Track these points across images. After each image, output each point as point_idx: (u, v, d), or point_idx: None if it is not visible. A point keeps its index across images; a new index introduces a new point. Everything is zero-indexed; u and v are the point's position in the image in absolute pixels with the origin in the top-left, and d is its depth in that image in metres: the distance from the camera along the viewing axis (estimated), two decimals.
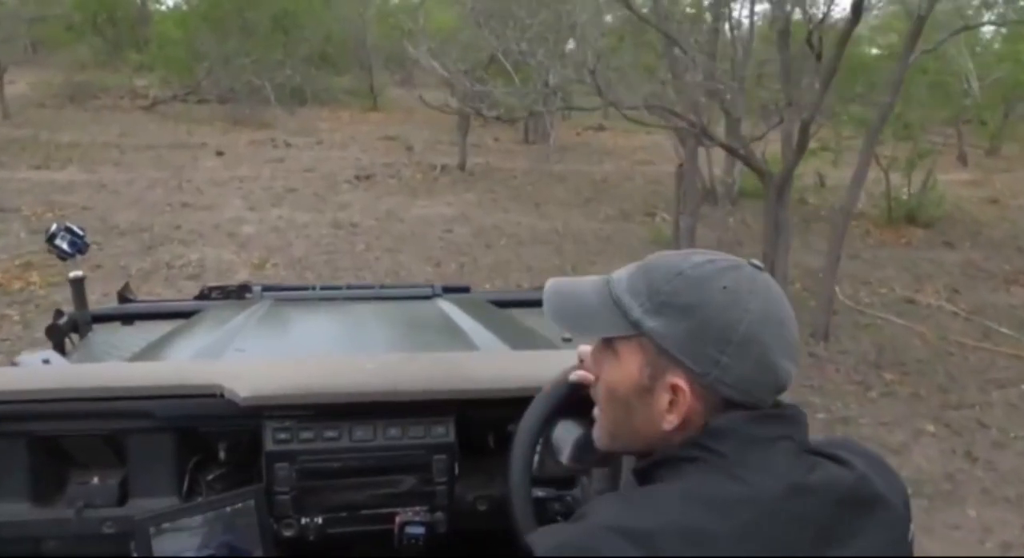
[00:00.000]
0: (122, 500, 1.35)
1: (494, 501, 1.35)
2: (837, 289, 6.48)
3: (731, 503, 0.76)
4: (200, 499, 1.33)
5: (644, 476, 0.88)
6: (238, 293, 2.38)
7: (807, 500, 0.78)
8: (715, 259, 0.87)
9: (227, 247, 7.69)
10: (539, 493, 1.16)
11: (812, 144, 5.97)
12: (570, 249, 8.31)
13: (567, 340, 1.84)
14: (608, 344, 0.89)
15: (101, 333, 2.21)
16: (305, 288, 2.42)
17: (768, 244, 5.74)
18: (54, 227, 2.02)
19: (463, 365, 1.48)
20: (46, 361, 1.70)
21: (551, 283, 0.97)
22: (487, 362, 1.55)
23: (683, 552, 0.72)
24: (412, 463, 1.34)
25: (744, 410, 0.83)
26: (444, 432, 1.35)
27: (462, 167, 12.13)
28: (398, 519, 1.32)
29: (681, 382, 0.83)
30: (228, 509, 1.27)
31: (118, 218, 8.39)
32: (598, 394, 0.93)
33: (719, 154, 9.45)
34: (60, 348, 2.08)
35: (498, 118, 6.94)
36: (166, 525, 1.24)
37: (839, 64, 4.95)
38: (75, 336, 2.17)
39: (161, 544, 1.22)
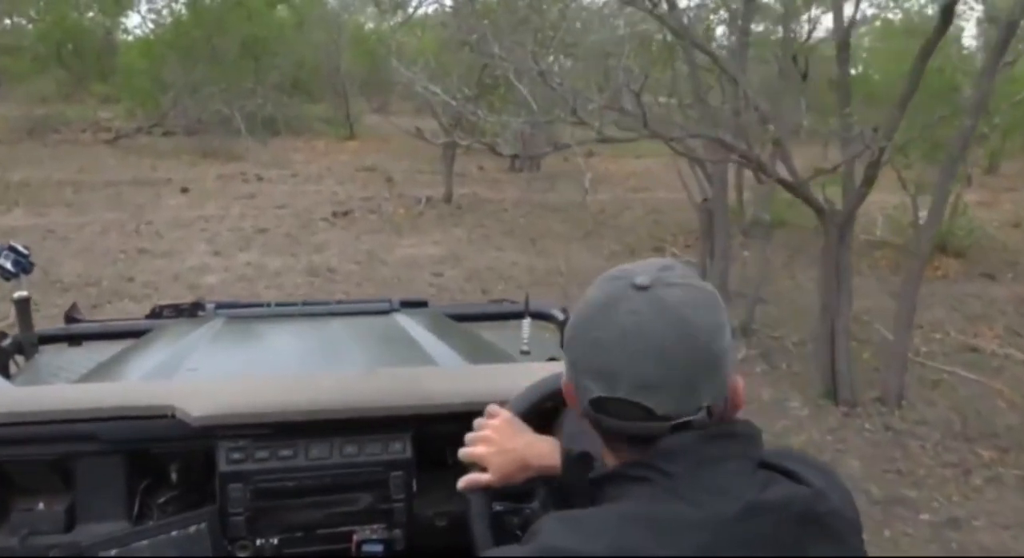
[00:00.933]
0: (69, 526, 1.29)
1: (453, 517, 1.28)
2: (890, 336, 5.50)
3: (681, 526, 0.73)
4: (151, 523, 1.28)
5: (596, 489, 0.84)
6: (190, 311, 2.27)
7: (763, 519, 0.75)
8: (625, 269, 0.85)
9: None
10: (497, 507, 1.13)
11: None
12: (576, 293, 7.27)
13: (525, 353, 1.95)
14: None
15: (48, 355, 2.13)
16: (260, 305, 2.32)
17: (828, 293, 4.76)
18: None
19: (421, 380, 1.42)
20: None
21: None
22: (445, 377, 1.49)
23: None
24: (369, 480, 1.30)
25: (688, 429, 0.78)
26: (401, 448, 1.31)
27: (448, 199, 11.10)
28: (355, 537, 1.27)
29: (567, 387, 0.87)
30: (180, 532, 1.22)
31: (63, 271, 7.24)
32: None
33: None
34: (4, 371, 2.00)
35: (493, 150, 5.90)
36: (116, 551, 1.19)
37: (919, 82, 4.00)
38: (20, 358, 2.08)
39: None
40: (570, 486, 1.03)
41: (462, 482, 1.08)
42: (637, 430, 0.78)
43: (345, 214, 10.11)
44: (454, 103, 5.18)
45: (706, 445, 0.78)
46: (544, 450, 1.06)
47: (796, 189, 4.25)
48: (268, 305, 2.31)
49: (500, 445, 1.07)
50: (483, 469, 1.08)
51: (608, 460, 0.87)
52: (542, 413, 1.15)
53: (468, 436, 1.10)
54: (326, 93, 20.19)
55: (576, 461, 1.00)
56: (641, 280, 0.80)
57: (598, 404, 0.79)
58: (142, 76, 17.14)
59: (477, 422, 1.12)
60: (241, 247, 8.44)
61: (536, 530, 0.79)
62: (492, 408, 1.13)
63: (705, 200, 6.31)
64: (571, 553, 0.73)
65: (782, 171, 4.44)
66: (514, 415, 1.12)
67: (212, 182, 12.33)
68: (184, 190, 11.37)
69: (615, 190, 13.43)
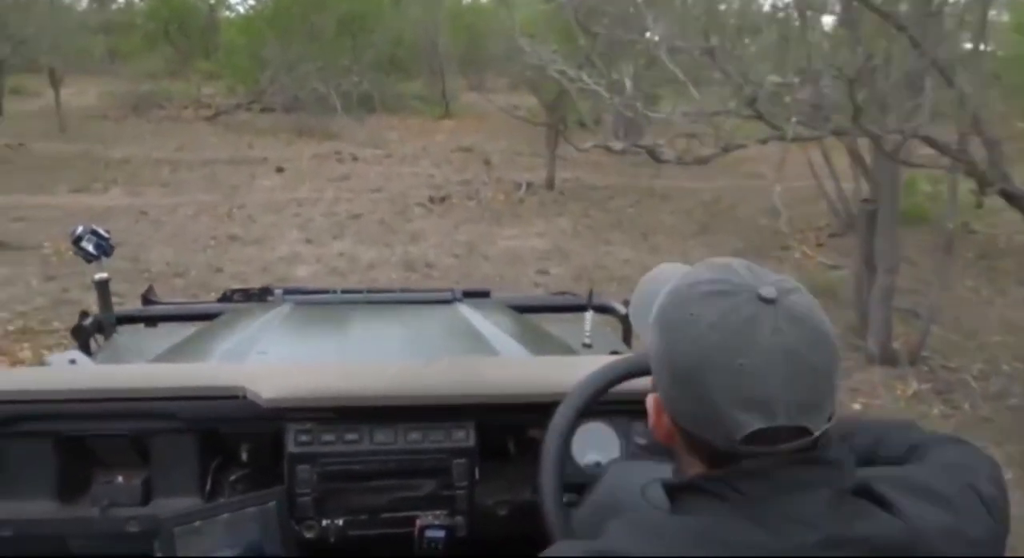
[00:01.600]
0: (146, 500, 1.33)
1: (514, 506, 1.29)
2: None
3: (754, 552, 0.69)
4: (222, 500, 1.30)
5: (671, 496, 0.80)
6: (260, 296, 2.29)
7: (842, 555, 0.69)
8: (717, 279, 0.76)
9: None
10: (563, 499, 1.10)
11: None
12: None
13: (587, 346, 1.97)
14: None
15: (125, 334, 2.17)
16: (327, 291, 2.32)
17: None
18: (80, 229, 1.96)
19: (484, 370, 1.42)
20: (72, 361, 1.65)
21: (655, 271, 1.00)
22: (508, 367, 1.50)
23: None
24: (432, 467, 1.30)
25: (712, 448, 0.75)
26: (464, 437, 1.30)
27: (550, 185, 10.29)
28: (418, 522, 1.28)
29: (651, 399, 0.81)
30: (250, 510, 1.24)
31: (151, 257, 6.83)
32: None
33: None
34: (85, 349, 2.03)
35: (654, 155, 5.07)
36: (189, 525, 1.21)
37: None
38: (100, 337, 2.11)
39: (184, 544, 1.20)
40: None
41: None
42: (789, 450, 0.72)
43: (442, 200, 9.45)
44: (592, 84, 4.32)
45: (792, 469, 0.72)
46: None
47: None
48: (334, 292, 2.31)
49: None
50: None
51: (687, 468, 0.81)
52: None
53: None
54: (422, 70, 19.64)
55: None
56: (766, 292, 0.73)
57: (753, 436, 0.71)
58: (242, 53, 16.94)
59: None
60: (334, 235, 7.88)
61: (609, 530, 0.75)
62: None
63: (866, 200, 5.30)
64: None
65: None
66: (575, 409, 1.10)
67: (307, 161, 11.90)
68: (279, 170, 10.96)
69: (727, 177, 12.31)
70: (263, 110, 16.08)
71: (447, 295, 2.25)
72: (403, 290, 2.54)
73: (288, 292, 2.25)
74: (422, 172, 11.33)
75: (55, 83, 13.46)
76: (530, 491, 1.23)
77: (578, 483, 1.17)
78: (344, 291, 2.32)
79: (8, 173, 10.08)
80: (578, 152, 13.62)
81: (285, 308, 2.07)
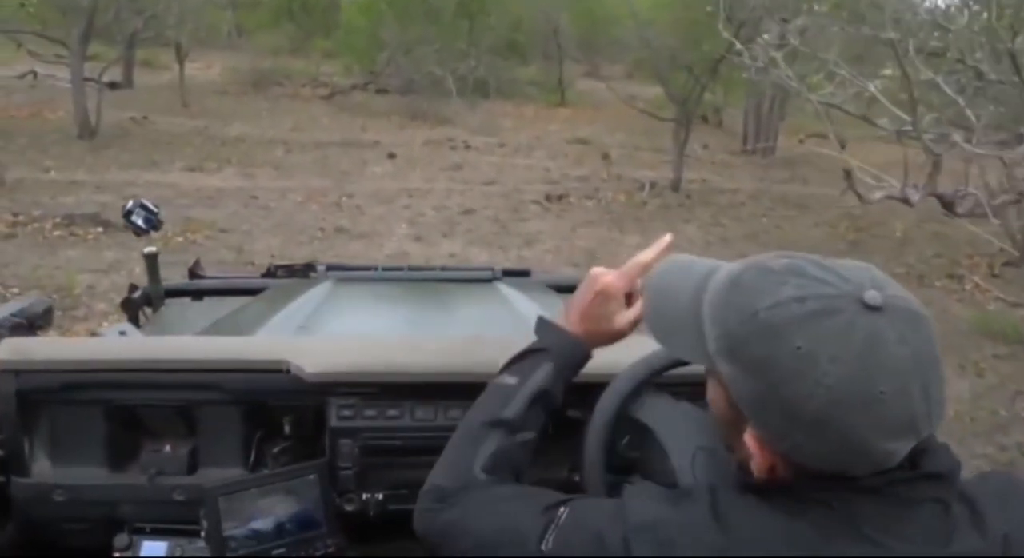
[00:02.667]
0: (192, 469, 1.34)
1: (552, 485, 1.11)
2: None
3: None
4: (266, 471, 1.31)
5: (760, 494, 0.71)
6: (303, 271, 2.28)
7: None
8: (806, 295, 0.66)
9: None
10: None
11: None
12: None
13: None
14: None
15: (173, 307, 2.17)
16: (368, 268, 2.32)
17: None
18: (130, 204, 1.93)
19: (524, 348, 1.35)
20: (122, 333, 1.68)
21: (665, 262, 0.84)
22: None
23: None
24: None
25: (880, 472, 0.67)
26: None
27: (675, 187, 9.35)
28: None
29: (753, 442, 0.69)
30: (292, 482, 1.25)
31: (257, 247, 6.39)
32: None
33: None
34: (135, 321, 2.05)
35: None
36: (234, 495, 1.22)
37: None
38: (148, 310, 2.12)
39: (229, 513, 1.21)
40: None
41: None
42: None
43: (559, 198, 8.69)
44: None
45: (903, 487, 0.67)
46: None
47: None
48: (376, 269, 2.30)
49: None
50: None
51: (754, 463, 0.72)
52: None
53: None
54: (537, 56, 18.87)
55: None
56: (871, 298, 0.65)
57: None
58: (361, 34, 16.63)
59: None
60: (444, 232, 7.27)
61: (692, 493, 0.73)
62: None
63: None
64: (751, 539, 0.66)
65: None
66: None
67: (419, 148, 11.38)
68: (391, 156, 10.46)
69: (871, 185, 11.05)
70: (378, 91, 15.72)
71: (487, 274, 2.21)
72: (443, 268, 2.49)
73: (331, 268, 2.22)
74: (537, 165, 10.60)
75: (180, 58, 13.42)
76: (567, 470, 1.24)
77: (616, 465, 1.12)
78: (385, 269, 2.31)
79: (129, 147, 9.98)
80: (703, 150, 12.58)
81: (328, 284, 2.02)
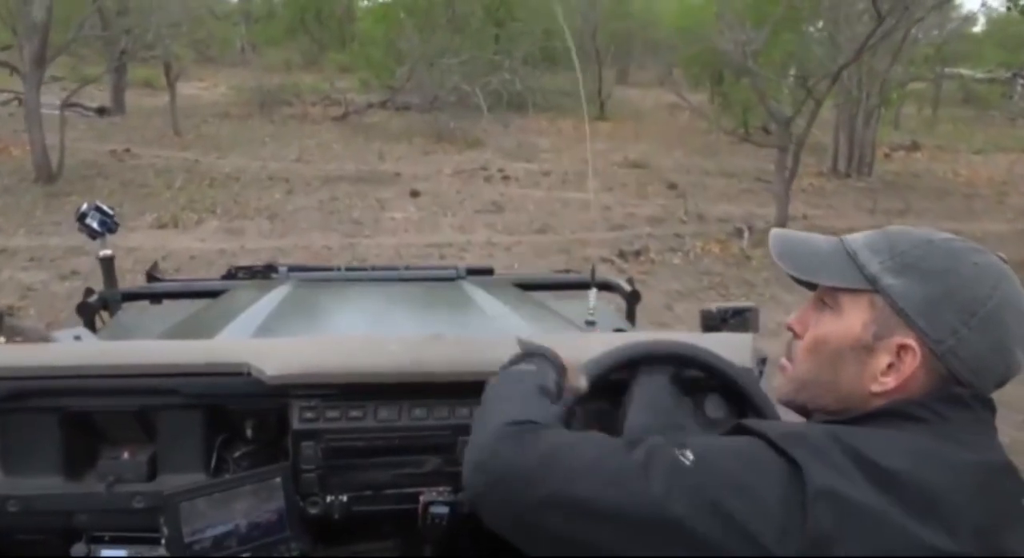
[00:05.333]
0: (151, 476, 1.25)
1: None
2: None
3: (960, 466, 0.69)
4: (227, 476, 1.23)
5: (862, 420, 0.76)
6: (264, 273, 2.17)
7: (1019, 482, 0.72)
8: (955, 238, 0.78)
9: None
10: None
11: None
12: None
13: (591, 323, 1.88)
14: (829, 297, 0.79)
15: (130, 311, 2.10)
16: (330, 269, 2.26)
17: None
18: (84, 206, 1.85)
19: (488, 347, 1.28)
20: (77, 338, 1.61)
21: (777, 231, 0.85)
22: (512, 344, 1.30)
23: (911, 491, 0.66)
24: (437, 443, 1.23)
25: (963, 388, 0.75)
26: (469, 413, 1.16)
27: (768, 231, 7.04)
28: (422, 499, 1.20)
29: (913, 343, 0.74)
30: (255, 486, 1.18)
31: None
32: (795, 348, 0.83)
33: None
34: (91, 326, 1.96)
35: None
36: (195, 501, 1.15)
37: None
38: (105, 314, 2.02)
39: (190, 519, 1.14)
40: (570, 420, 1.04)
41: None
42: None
43: (637, 254, 6.42)
44: None
45: (982, 410, 0.75)
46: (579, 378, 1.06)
47: None
48: (339, 269, 2.22)
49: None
50: None
51: (788, 386, 0.84)
52: (610, 385, 1.09)
53: None
54: (568, 63, 16.65)
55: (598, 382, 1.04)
56: (1002, 256, 0.78)
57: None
58: (378, 45, 14.49)
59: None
60: None
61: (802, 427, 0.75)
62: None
63: None
64: (876, 464, 0.67)
65: None
66: (587, 376, 1.04)
67: (447, 180, 9.18)
68: (414, 194, 8.26)
69: (996, 209, 8.67)
70: (397, 109, 13.53)
71: (451, 273, 2.14)
72: (407, 268, 2.32)
73: (292, 269, 2.12)
74: (593, 200, 8.35)
75: (171, 80, 11.30)
76: None
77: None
78: (348, 269, 2.22)
79: (95, 192, 7.81)
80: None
81: (289, 285, 1.93)
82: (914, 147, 12.24)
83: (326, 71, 16.95)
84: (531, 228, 7.18)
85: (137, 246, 6.17)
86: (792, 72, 8.36)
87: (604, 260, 6.26)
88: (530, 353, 1.02)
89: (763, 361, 1.31)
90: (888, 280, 0.75)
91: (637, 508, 0.69)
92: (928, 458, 0.68)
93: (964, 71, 18.66)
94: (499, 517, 0.78)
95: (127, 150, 9.94)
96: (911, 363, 0.73)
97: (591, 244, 6.64)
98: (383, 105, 13.49)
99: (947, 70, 16.87)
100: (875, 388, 0.75)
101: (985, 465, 0.70)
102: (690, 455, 0.70)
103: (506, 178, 9.35)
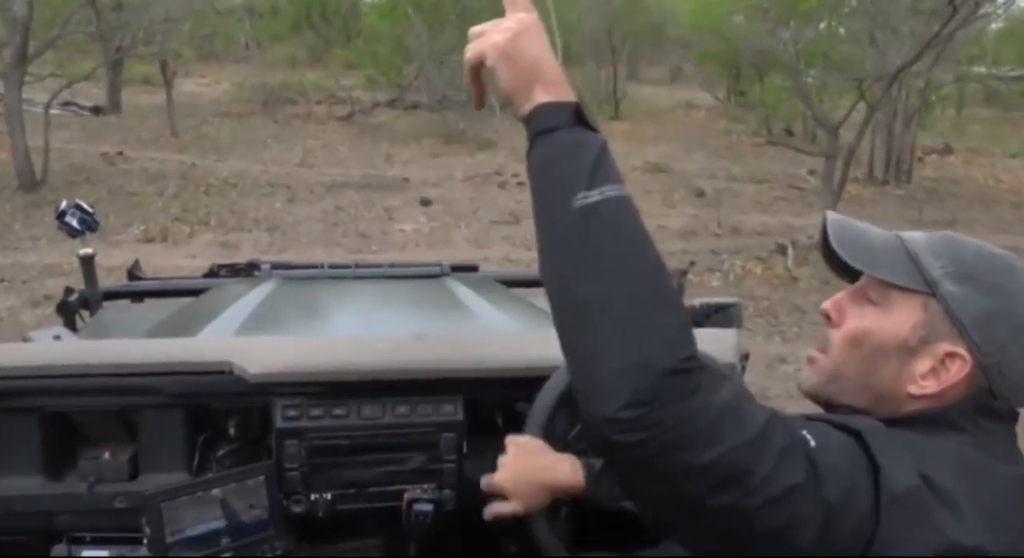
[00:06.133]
0: (133, 475, 1.23)
1: None
2: None
3: (997, 476, 0.69)
4: (210, 475, 1.21)
5: (904, 423, 0.73)
6: (247, 271, 2.10)
7: None
8: (1017, 256, 0.78)
9: None
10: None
11: None
12: None
13: None
14: (877, 291, 0.76)
15: (111, 310, 2.03)
16: (314, 266, 2.13)
17: None
18: (64, 204, 1.82)
19: (472, 344, 1.33)
20: (57, 337, 1.59)
21: (834, 215, 0.81)
22: (496, 342, 1.40)
23: (965, 507, 0.64)
24: (421, 441, 1.21)
25: (994, 402, 0.74)
26: (453, 411, 1.21)
27: None
28: (406, 496, 1.19)
29: (964, 353, 0.72)
30: (238, 485, 1.16)
31: None
32: (830, 337, 0.79)
33: None
34: (71, 325, 1.91)
35: None
36: (177, 500, 1.12)
37: None
38: (85, 313, 1.97)
39: (172, 519, 1.11)
40: (598, 502, 1.01)
41: (487, 514, 1.03)
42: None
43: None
44: None
45: (1014, 422, 0.75)
46: (565, 470, 1.02)
47: None
48: (322, 266, 2.10)
49: (518, 473, 1.02)
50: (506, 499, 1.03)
51: (818, 377, 0.80)
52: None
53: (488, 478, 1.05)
54: (582, 60, 15.92)
55: (602, 475, 0.98)
56: None
57: None
58: (384, 41, 13.81)
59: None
60: None
61: (855, 422, 0.70)
62: (508, 439, 1.06)
63: None
64: (932, 477, 0.65)
65: None
66: (532, 437, 1.04)
67: (460, 186, 8.53)
68: (424, 203, 7.62)
69: None
70: (406, 109, 12.85)
71: (435, 270, 2.06)
72: (391, 266, 2.24)
73: (275, 267, 2.01)
74: None
75: (167, 78, 10.64)
76: None
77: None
78: (332, 266, 2.12)
79: (82, 200, 7.20)
80: (811, 175, 9.62)
81: (272, 283, 1.85)
82: (947, 150, 11.53)
83: (331, 68, 16.28)
84: None
85: (119, 264, 5.49)
86: (811, 72, 7.67)
87: None
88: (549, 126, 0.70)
89: (746, 357, 1.27)
90: (948, 287, 0.72)
91: (796, 487, 0.63)
92: (973, 468, 0.68)
93: (986, 70, 17.92)
94: (645, 472, 0.64)
95: (120, 153, 9.30)
96: (957, 372, 0.72)
97: None
98: (390, 104, 12.81)
99: (973, 69, 16.14)
100: (913, 390, 0.74)
101: (1019, 477, 0.70)
102: (811, 440, 0.65)
103: (521, 184, 8.68)
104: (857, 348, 0.76)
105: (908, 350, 0.73)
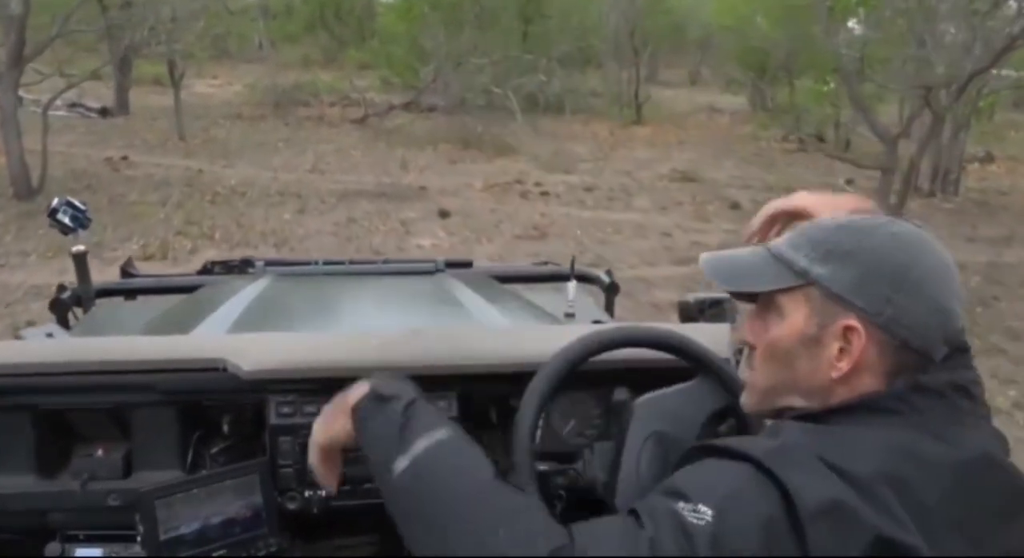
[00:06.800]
0: (127, 473, 1.21)
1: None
2: None
3: (935, 462, 0.68)
4: (204, 472, 1.19)
5: (829, 415, 0.75)
6: (241, 267, 2.10)
7: (999, 474, 0.71)
8: (871, 214, 0.81)
9: None
10: (542, 467, 1.08)
11: None
12: None
13: (570, 315, 1.84)
14: (767, 303, 0.80)
15: (104, 308, 2.01)
16: (308, 263, 2.13)
17: None
18: (55, 201, 1.81)
19: (466, 340, 1.32)
20: (49, 335, 1.55)
21: (706, 254, 0.87)
22: (490, 337, 1.38)
23: (892, 502, 0.64)
24: None
25: (918, 357, 0.73)
26: (446, 406, 1.20)
27: None
28: None
29: (855, 323, 0.74)
30: (232, 482, 1.14)
31: None
32: (754, 358, 0.83)
33: None
34: (63, 323, 1.91)
35: None
36: (171, 498, 1.11)
37: None
38: (78, 311, 1.95)
39: (166, 516, 1.10)
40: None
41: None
42: (961, 378, 0.74)
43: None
44: None
45: (959, 396, 0.73)
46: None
47: None
48: (316, 263, 2.11)
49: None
50: None
51: (752, 398, 0.83)
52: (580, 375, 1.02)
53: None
54: (601, 61, 15.34)
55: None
56: (916, 223, 0.78)
57: (958, 332, 0.74)
58: (399, 42, 13.32)
59: None
60: None
61: (779, 432, 0.72)
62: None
63: None
64: (847, 470, 0.65)
65: None
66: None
67: (479, 195, 8.00)
68: (443, 215, 7.09)
69: None
70: (422, 111, 12.33)
71: (429, 266, 2.08)
72: (386, 261, 2.28)
73: (269, 263, 2.06)
74: (648, 224, 7.14)
75: (175, 79, 10.17)
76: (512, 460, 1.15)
77: (559, 452, 1.12)
78: (326, 262, 2.12)
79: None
80: (847, 185, 9.01)
81: (266, 280, 1.87)
82: (988, 158, 10.89)
83: (345, 69, 15.79)
84: (581, 260, 5.97)
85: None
86: (874, 77, 7.08)
87: (673, 305, 5.05)
88: (383, 397, 0.84)
89: (740, 351, 1.26)
90: (817, 270, 0.75)
91: None
92: (901, 455, 0.67)
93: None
94: None
95: (124, 157, 8.83)
96: (859, 342, 0.73)
97: (657, 284, 5.43)
98: (406, 107, 12.29)
99: (1003, 72, 15.43)
100: (834, 375, 0.75)
101: (960, 460, 0.68)
102: (705, 511, 0.64)
103: (545, 194, 8.15)
104: (775, 359, 0.79)
105: (812, 341, 0.75)
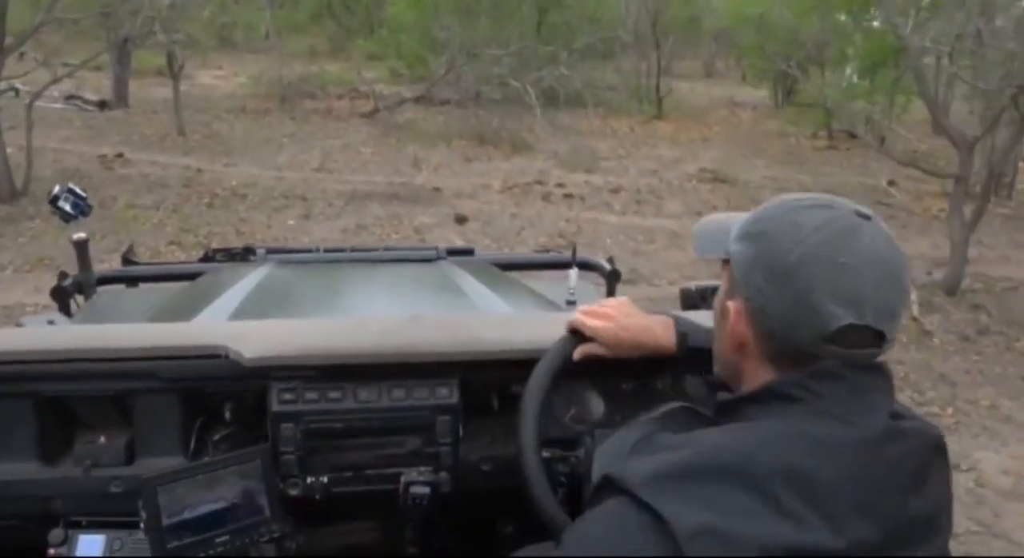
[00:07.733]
0: (129, 460, 1.20)
1: (498, 462, 1.18)
2: None
3: (835, 445, 0.67)
4: (206, 459, 1.18)
5: (729, 411, 0.76)
6: (242, 255, 2.10)
7: (903, 444, 0.70)
8: (813, 198, 0.76)
9: None
10: (544, 454, 1.03)
11: None
12: None
13: (571, 303, 1.82)
14: (724, 270, 0.80)
15: (106, 295, 2.02)
16: (309, 250, 2.15)
17: None
18: (57, 189, 1.80)
19: (468, 327, 1.30)
20: (51, 322, 1.60)
21: (696, 226, 0.88)
22: (492, 324, 1.36)
23: (786, 492, 0.63)
24: (416, 424, 1.19)
25: (794, 349, 0.71)
26: (448, 393, 1.19)
27: (952, 290, 5.13)
28: (403, 479, 1.16)
29: (733, 306, 0.75)
30: (234, 469, 1.13)
31: None
32: None
33: None
34: (65, 310, 1.92)
35: None
36: (173, 484, 1.10)
37: None
38: (80, 298, 1.95)
39: (168, 503, 1.09)
40: (684, 371, 1.10)
41: (577, 353, 1.02)
42: (861, 356, 0.71)
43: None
44: None
45: (862, 373, 0.71)
46: (660, 332, 1.02)
47: None
48: (317, 250, 2.14)
49: (618, 321, 1.02)
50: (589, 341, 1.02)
51: (751, 382, 0.77)
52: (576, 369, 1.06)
53: (584, 310, 1.04)
54: (623, 54, 14.63)
55: (693, 351, 0.99)
56: (864, 210, 0.74)
57: (840, 333, 0.69)
58: (410, 32, 12.64)
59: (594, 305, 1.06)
60: None
61: (692, 439, 0.71)
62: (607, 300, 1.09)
63: None
64: (742, 468, 0.65)
65: None
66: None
67: (497, 197, 7.38)
68: (460, 220, 6.47)
69: None
70: (434, 105, 11.67)
71: (431, 253, 2.09)
72: (387, 249, 2.25)
73: (271, 251, 2.06)
74: (684, 232, 6.50)
75: (174, 72, 9.53)
76: (514, 447, 1.10)
77: (561, 438, 1.12)
78: (327, 250, 2.13)
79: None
80: (892, 187, 8.34)
81: (267, 267, 1.88)
82: None
83: (353, 59, 15.11)
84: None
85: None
86: (961, 75, 6.39)
87: None
88: None
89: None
90: (733, 247, 0.75)
91: None
92: (801, 444, 0.66)
93: None
94: None
95: (119, 155, 8.22)
96: (738, 323, 0.74)
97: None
98: (417, 101, 11.64)
99: None
100: (726, 353, 0.77)
101: (861, 439, 0.68)
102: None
103: (568, 196, 7.52)
104: (716, 327, 0.80)
105: (721, 314, 0.77)
